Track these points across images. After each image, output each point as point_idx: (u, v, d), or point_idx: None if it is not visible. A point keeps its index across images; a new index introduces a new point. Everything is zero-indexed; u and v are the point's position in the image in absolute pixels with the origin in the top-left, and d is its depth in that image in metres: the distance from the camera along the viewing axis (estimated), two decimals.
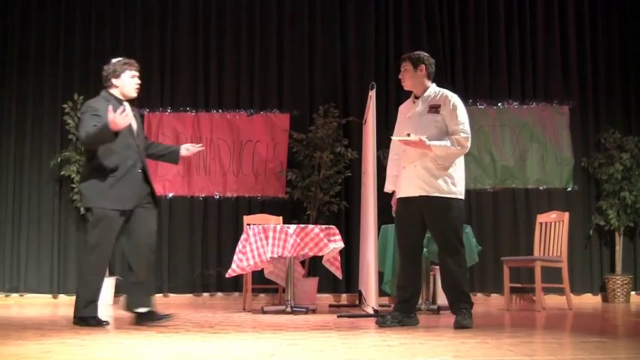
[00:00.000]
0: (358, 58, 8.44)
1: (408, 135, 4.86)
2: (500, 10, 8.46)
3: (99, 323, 5.02)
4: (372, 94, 6.26)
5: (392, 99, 8.18)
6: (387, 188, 5.22)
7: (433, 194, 4.89)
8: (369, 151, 6.19)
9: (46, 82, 8.35)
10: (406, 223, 5.02)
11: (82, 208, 7.87)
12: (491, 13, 8.48)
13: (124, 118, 4.75)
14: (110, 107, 4.77)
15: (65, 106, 8.02)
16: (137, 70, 5.25)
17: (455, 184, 4.94)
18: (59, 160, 7.97)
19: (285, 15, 8.48)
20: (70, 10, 8.42)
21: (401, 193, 5.03)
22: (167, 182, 8.21)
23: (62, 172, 8.01)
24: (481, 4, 8.49)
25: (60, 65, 8.35)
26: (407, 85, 5.12)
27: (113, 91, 5.17)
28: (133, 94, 5.24)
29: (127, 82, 5.20)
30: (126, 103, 5.15)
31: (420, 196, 4.91)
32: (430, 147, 4.81)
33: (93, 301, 5.04)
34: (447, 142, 4.86)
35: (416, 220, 4.99)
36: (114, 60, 5.23)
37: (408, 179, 4.96)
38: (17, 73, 8.35)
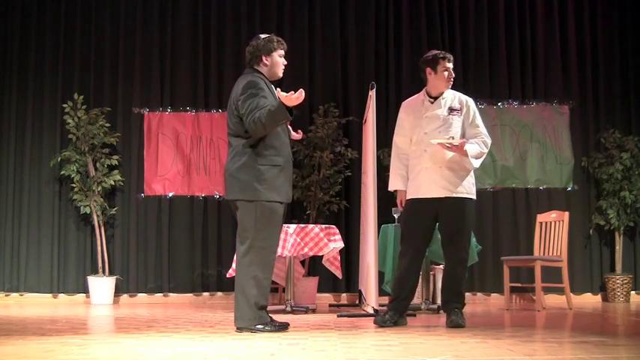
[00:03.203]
0: (358, 58, 8.44)
1: (452, 138, 4.90)
2: (500, 10, 8.45)
3: (281, 327, 4.63)
4: (372, 93, 6.26)
5: (392, 99, 8.18)
6: (394, 186, 5.17)
7: (459, 195, 4.94)
8: (369, 151, 6.19)
9: (46, 82, 8.35)
10: (419, 224, 5.01)
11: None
12: (492, 13, 8.48)
13: (299, 95, 4.35)
14: (279, 90, 4.41)
15: (65, 106, 8.02)
16: (285, 51, 4.80)
17: (474, 185, 5.06)
18: (59, 160, 7.97)
19: (284, 15, 8.47)
20: (70, 10, 8.42)
21: (420, 194, 4.99)
22: (167, 182, 8.21)
23: (62, 172, 8.01)
24: (481, 4, 8.49)
25: (60, 65, 8.36)
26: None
27: (261, 69, 4.73)
28: (280, 74, 4.79)
29: (277, 61, 4.75)
30: (272, 85, 4.76)
31: (445, 197, 4.93)
32: (467, 152, 4.88)
33: (266, 306, 4.60)
34: (478, 146, 4.97)
35: (429, 221, 5.01)
36: (262, 35, 4.78)
37: (432, 180, 4.95)
38: (17, 72, 8.35)
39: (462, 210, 4.96)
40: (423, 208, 4.98)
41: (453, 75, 5.09)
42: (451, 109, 5.03)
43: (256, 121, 4.44)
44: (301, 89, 4.41)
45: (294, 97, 4.37)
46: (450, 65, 5.07)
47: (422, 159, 5.00)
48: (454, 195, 4.94)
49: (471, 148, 4.92)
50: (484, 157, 5.04)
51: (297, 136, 4.95)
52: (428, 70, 5.08)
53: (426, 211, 4.98)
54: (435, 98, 5.08)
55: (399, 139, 5.17)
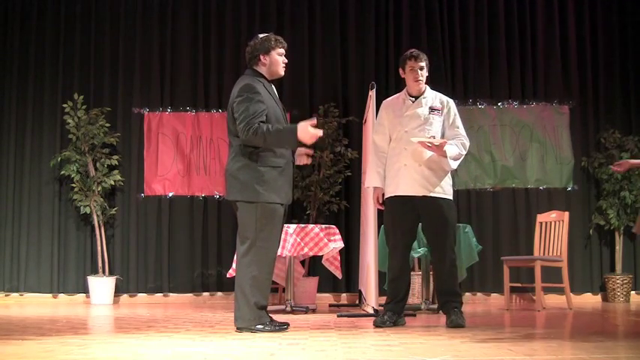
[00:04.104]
0: (358, 58, 8.44)
1: (433, 137, 4.90)
2: (500, 10, 8.45)
3: (281, 327, 4.64)
4: (372, 93, 6.27)
5: None
6: (371, 183, 5.19)
7: (437, 195, 4.95)
8: (369, 151, 6.18)
9: (46, 82, 8.35)
10: (403, 222, 5.02)
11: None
12: (491, 13, 8.47)
13: (317, 133, 4.43)
14: (307, 123, 4.48)
15: (65, 106, 8.02)
16: (285, 49, 4.78)
17: (451, 186, 5.09)
18: (59, 160, 7.97)
19: (285, 15, 8.47)
20: (70, 10, 8.42)
21: (399, 192, 5.00)
22: (167, 182, 8.21)
23: (62, 172, 8.01)
24: (481, 4, 8.48)
25: (60, 65, 8.35)
26: (423, 83, 5.09)
27: (260, 69, 4.72)
28: (281, 72, 4.77)
29: (276, 60, 4.73)
30: (272, 84, 4.78)
31: (422, 196, 4.93)
32: (446, 152, 4.89)
33: (266, 306, 4.61)
34: (457, 148, 4.98)
35: (412, 219, 5.03)
36: (261, 35, 4.78)
37: (411, 178, 4.96)
38: (17, 73, 8.35)
39: (441, 210, 4.96)
40: (403, 206, 5.00)
41: (420, 75, 5.05)
42: (432, 109, 5.06)
43: (259, 133, 4.45)
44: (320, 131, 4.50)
45: (313, 136, 4.43)
46: (419, 64, 5.05)
47: (401, 157, 5.01)
48: (432, 194, 4.95)
49: (450, 149, 4.93)
50: (462, 158, 5.06)
51: (305, 161, 4.93)
52: (400, 70, 5.16)
53: (406, 208, 4.99)
54: (416, 97, 5.10)
55: (377, 137, 5.19)
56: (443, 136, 5.04)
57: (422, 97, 5.10)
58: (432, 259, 5.15)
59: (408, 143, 4.96)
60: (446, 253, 4.97)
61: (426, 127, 5.00)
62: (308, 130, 4.46)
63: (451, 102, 5.16)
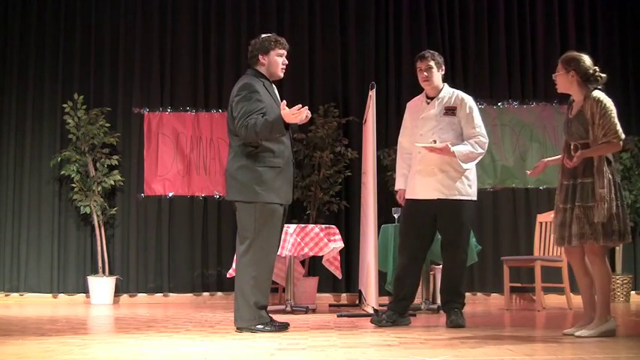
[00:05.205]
0: (358, 58, 8.44)
1: (434, 142, 4.87)
2: (500, 10, 8.46)
3: (281, 327, 4.65)
4: (372, 93, 6.26)
5: (392, 99, 8.18)
6: (397, 186, 5.24)
7: (450, 197, 4.92)
8: (369, 151, 6.18)
9: (46, 82, 8.35)
10: (415, 224, 5.01)
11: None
12: (492, 13, 8.48)
13: (303, 114, 4.41)
14: (284, 102, 4.45)
15: (65, 106, 8.02)
16: (286, 50, 4.77)
17: (470, 186, 5.01)
18: (59, 160, 7.97)
19: (285, 15, 8.47)
20: (70, 10, 8.42)
21: (414, 195, 5.01)
22: (167, 182, 8.21)
23: (62, 172, 8.01)
24: (481, 4, 8.49)
25: (60, 65, 8.35)
26: (432, 84, 5.05)
27: (260, 68, 4.72)
28: (280, 74, 4.75)
29: (275, 60, 4.71)
30: (273, 85, 4.78)
31: (437, 199, 4.92)
32: (454, 153, 4.83)
33: (266, 306, 4.62)
34: (469, 147, 4.91)
35: (427, 221, 5.00)
36: (263, 35, 4.79)
37: (425, 182, 4.95)
38: (17, 73, 8.34)
39: (456, 212, 4.94)
40: (418, 209, 4.99)
41: (427, 76, 5.02)
42: (447, 109, 5.01)
43: (249, 127, 4.45)
44: (306, 107, 4.42)
45: (294, 115, 4.38)
46: (425, 64, 5.03)
47: (416, 160, 5.02)
48: (448, 197, 4.92)
49: (460, 149, 4.86)
50: (479, 158, 4.97)
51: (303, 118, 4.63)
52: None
53: (421, 211, 4.98)
54: (432, 98, 5.08)
55: (403, 139, 5.21)
56: (461, 136, 4.98)
57: (436, 98, 5.06)
58: (443, 258, 5.12)
59: (421, 147, 4.97)
60: (456, 252, 4.97)
61: (438, 129, 4.96)
62: (289, 112, 4.40)
63: (467, 99, 5.04)
